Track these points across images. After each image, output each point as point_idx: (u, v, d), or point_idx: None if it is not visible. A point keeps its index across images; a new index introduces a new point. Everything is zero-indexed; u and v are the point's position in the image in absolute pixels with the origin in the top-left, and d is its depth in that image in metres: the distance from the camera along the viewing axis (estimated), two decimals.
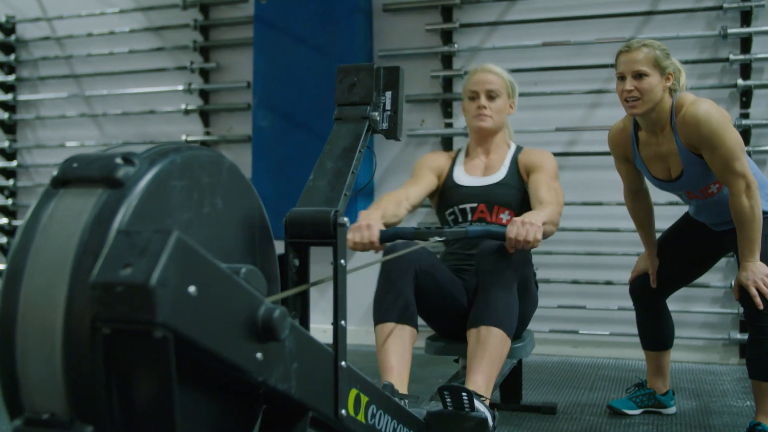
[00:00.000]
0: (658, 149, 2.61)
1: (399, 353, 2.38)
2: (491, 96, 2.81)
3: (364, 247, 2.37)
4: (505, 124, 2.91)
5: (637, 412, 2.96)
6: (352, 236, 2.36)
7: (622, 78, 2.55)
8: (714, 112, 2.44)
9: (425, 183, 2.80)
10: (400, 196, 2.66)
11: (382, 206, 2.57)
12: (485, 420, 2.05)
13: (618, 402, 2.99)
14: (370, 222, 2.38)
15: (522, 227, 2.30)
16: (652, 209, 2.91)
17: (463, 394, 2.02)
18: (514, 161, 2.85)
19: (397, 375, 2.32)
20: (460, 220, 2.81)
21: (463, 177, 2.86)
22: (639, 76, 2.50)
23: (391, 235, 2.39)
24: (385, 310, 2.44)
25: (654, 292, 2.87)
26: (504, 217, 2.77)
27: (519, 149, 2.91)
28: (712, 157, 2.45)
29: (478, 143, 2.90)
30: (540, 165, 2.76)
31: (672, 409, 2.99)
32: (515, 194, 2.80)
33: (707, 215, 2.72)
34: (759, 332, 2.47)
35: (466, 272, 2.73)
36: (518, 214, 2.66)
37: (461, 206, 2.81)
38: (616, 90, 2.58)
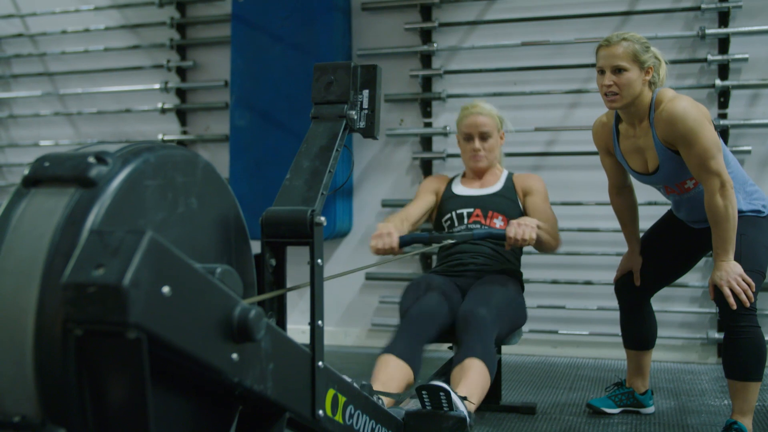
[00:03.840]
0: (636, 141, 2.63)
1: (392, 378, 2.44)
2: (484, 137, 3.04)
3: (386, 252, 2.68)
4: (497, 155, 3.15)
5: (616, 411, 2.97)
6: (375, 243, 2.68)
7: (601, 72, 2.56)
8: (691, 110, 2.45)
9: (424, 203, 3.08)
10: (402, 215, 2.97)
11: (392, 221, 2.89)
12: (463, 419, 2.05)
13: (597, 401, 2.99)
14: (390, 230, 2.69)
15: (518, 227, 2.64)
16: (636, 206, 2.92)
17: (441, 393, 2.01)
18: (509, 180, 3.11)
19: (383, 387, 2.34)
20: (456, 224, 2.97)
21: (460, 188, 3.12)
22: (618, 70, 2.51)
23: (408, 240, 2.72)
24: (396, 344, 2.55)
25: (639, 291, 2.87)
26: (497, 222, 2.94)
27: (511, 174, 3.15)
28: (688, 154, 2.46)
29: (474, 174, 3.14)
30: (535, 189, 3.05)
31: (651, 409, 3.00)
32: (510, 204, 3.01)
33: (686, 211, 2.73)
34: (734, 333, 2.48)
35: (459, 277, 2.89)
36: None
37: (458, 211, 3.01)
38: (597, 83, 2.59)
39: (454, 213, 3.02)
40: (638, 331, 2.93)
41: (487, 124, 3.04)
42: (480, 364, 2.43)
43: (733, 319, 2.46)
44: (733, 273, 2.44)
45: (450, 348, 2.90)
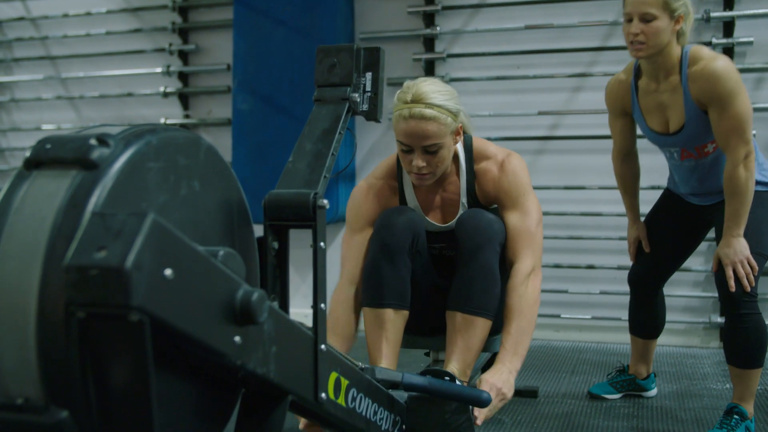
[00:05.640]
0: (658, 98, 2.51)
1: (393, 340, 2.29)
2: (429, 151, 2.23)
3: None
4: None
5: (617, 396, 2.98)
6: None
7: (629, 20, 2.41)
8: (734, 72, 2.37)
9: (364, 243, 2.38)
10: (351, 289, 2.36)
11: (340, 332, 2.30)
12: (466, 407, 2.04)
13: (597, 388, 3.00)
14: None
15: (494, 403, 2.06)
16: (638, 174, 2.84)
17: (446, 377, 2.01)
18: (471, 190, 2.40)
19: (388, 364, 2.27)
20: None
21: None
22: (646, 18, 2.36)
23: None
24: (381, 291, 2.29)
25: (652, 282, 2.81)
26: None
27: (470, 162, 2.39)
28: (720, 117, 2.36)
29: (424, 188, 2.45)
30: (505, 198, 2.35)
31: (653, 391, 3.00)
32: None
33: (695, 181, 2.62)
34: (735, 320, 2.45)
35: (443, 276, 2.50)
36: None
37: (429, 244, 2.45)
38: (623, 31, 2.44)
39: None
40: (647, 319, 2.89)
41: (433, 134, 2.19)
42: (477, 323, 2.25)
43: (733, 306, 2.44)
44: (740, 254, 2.39)
45: (426, 354, 2.76)
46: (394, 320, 2.30)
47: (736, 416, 2.48)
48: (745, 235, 2.44)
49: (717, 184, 2.52)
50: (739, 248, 2.39)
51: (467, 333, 2.28)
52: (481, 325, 2.29)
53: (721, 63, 2.37)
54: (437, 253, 2.50)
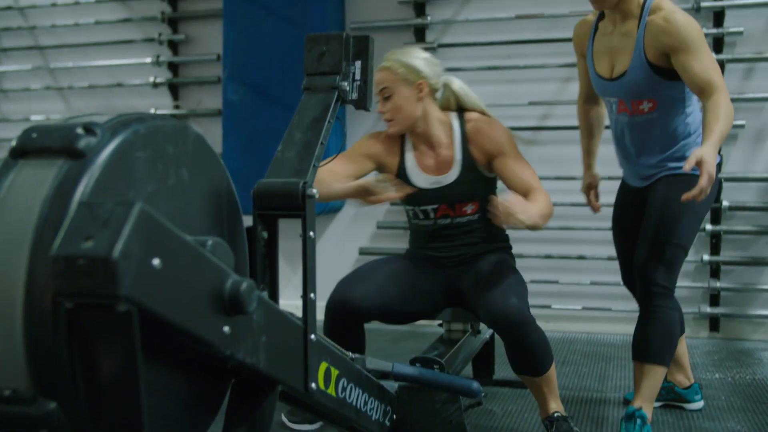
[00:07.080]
0: (611, 40, 2.46)
1: None
2: (386, 97, 2.49)
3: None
4: (425, 108, 2.51)
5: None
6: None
7: None
8: (695, 23, 2.33)
9: (357, 168, 2.53)
10: (328, 172, 2.40)
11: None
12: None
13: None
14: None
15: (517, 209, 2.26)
16: (602, 120, 2.79)
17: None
18: (465, 149, 2.53)
19: None
20: (421, 217, 2.60)
21: (417, 175, 2.56)
22: None
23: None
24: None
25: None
26: (468, 209, 2.56)
27: (463, 127, 2.55)
28: (694, 59, 2.30)
29: (419, 142, 2.58)
30: (500, 148, 2.49)
31: (698, 404, 2.77)
32: (475, 185, 2.56)
33: (628, 141, 2.51)
34: (647, 311, 2.39)
35: (446, 267, 2.58)
36: (482, 202, 2.51)
37: (422, 207, 2.58)
38: None
39: (418, 208, 2.58)
40: None
41: (385, 80, 2.46)
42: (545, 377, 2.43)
43: (648, 297, 2.38)
44: (710, 164, 2.13)
45: (440, 326, 2.84)
46: None
47: (638, 420, 2.37)
48: (665, 223, 2.37)
49: (648, 155, 2.46)
50: (709, 157, 2.14)
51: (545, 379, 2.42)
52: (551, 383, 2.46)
53: (681, 14, 2.33)
54: (432, 225, 2.57)
